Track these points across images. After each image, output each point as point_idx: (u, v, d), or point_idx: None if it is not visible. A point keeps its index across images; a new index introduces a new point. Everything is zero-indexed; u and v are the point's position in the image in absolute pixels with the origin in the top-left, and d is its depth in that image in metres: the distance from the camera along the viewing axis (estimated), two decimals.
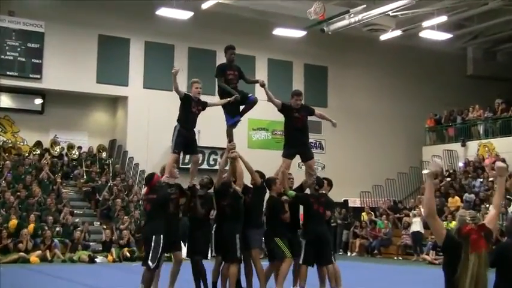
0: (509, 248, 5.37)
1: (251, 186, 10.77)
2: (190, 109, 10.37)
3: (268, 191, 10.79)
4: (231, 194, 10.21)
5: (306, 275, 10.56)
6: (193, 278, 10.22)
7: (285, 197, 10.59)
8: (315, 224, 10.58)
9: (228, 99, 10.57)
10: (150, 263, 9.45)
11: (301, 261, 10.61)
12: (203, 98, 10.67)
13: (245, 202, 10.47)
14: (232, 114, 10.75)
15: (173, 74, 10.18)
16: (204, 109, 10.58)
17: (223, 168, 10.81)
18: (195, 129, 10.58)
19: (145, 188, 10.34)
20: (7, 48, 22.85)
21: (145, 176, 11.98)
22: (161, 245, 9.50)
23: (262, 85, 10.86)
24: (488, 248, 4.90)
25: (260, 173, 10.73)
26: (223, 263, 10.36)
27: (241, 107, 10.98)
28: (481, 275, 4.74)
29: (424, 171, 5.38)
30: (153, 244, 9.47)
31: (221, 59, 27.11)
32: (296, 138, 11.06)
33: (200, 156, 25.25)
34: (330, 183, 11.37)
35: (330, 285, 10.74)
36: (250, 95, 10.92)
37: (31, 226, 19.08)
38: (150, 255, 9.46)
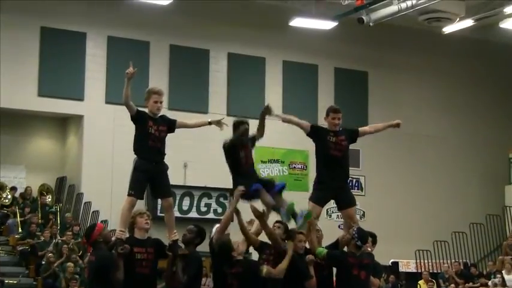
0: None
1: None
2: (147, 131, 10.19)
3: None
4: (241, 261, 10.19)
5: None
6: None
7: (310, 257, 10.47)
8: None
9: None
10: None
11: None
12: (192, 117, 10.56)
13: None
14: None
15: (127, 76, 10.02)
16: (171, 130, 10.46)
17: (228, 222, 10.66)
18: (165, 160, 10.40)
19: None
20: None
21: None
22: None
23: (270, 113, 10.71)
24: None
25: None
26: None
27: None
28: None
29: None
30: None
31: (216, 60, 27.35)
32: (331, 175, 10.94)
33: (186, 200, 25.28)
34: (374, 240, 11.35)
35: None
36: (277, 183, 10.70)
37: None
38: None
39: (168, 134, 10.46)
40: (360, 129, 11.26)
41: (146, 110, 10.27)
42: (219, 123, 10.68)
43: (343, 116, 11.14)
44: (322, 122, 11.07)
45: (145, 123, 10.18)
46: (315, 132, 11.02)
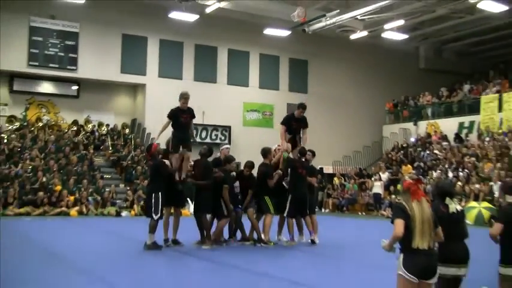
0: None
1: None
2: (179, 120, 10.32)
3: (263, 159, 10.88)
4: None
5: (292, 226, 10.77)
6: (198, 229, 10.45)
7: (279, 172, 10.74)
8: (298, 184, 10.72)
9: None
10: (153, 215, 9.69)
11: (285, 215, 10.79)
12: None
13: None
14: None
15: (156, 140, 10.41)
16: (193, 118, 10.53)
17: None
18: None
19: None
20: (49, 45, 22.94)
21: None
22: (160, 200, 9.70)
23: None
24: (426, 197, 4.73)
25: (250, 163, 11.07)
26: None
27: None
28: (427, 219, 4.55)
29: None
30: (153, 200, 9.71)
31: (221, 53, 27.11)
32: (293, 131, 11.30)
33: (204, 132, 25.51)
34: (314, 154, 11.58)
35: (309, 232, 10.91)
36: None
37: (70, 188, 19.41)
38: (153, 209, 9.69)
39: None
40: (306, 129, 11.29)
41: (179, 105, 10.37)
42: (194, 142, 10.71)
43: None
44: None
45: (178, 116, 10.27)
46: (285, 124, 11.20)
